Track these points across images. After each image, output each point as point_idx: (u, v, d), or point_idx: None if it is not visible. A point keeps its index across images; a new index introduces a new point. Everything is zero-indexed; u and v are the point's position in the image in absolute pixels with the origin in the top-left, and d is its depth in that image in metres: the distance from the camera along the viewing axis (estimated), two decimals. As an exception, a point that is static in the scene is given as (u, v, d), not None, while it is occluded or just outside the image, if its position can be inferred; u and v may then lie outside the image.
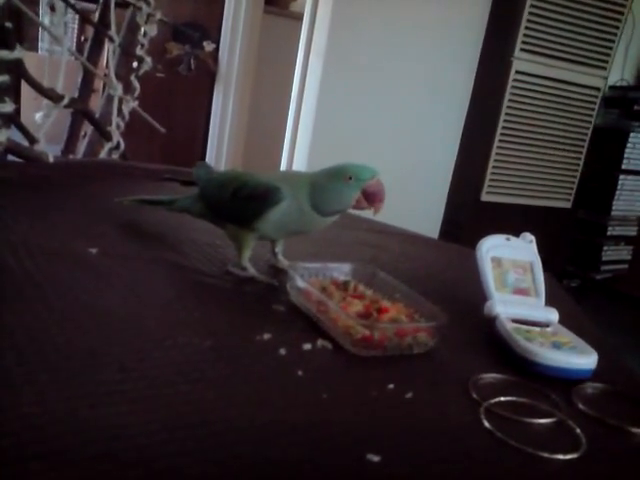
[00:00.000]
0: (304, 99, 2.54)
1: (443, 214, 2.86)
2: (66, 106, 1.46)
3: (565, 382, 0.58)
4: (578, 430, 0.50)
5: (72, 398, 0.43)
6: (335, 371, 0.55)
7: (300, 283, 0.67)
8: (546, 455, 0.46)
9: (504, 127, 2.74)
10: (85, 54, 1.81)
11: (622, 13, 2.81)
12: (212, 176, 0.82)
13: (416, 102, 2.66)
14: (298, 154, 2.57)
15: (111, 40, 1.71)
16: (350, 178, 0.69)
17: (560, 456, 0.46)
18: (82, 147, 1.91)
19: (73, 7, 1.63)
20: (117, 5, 1.70)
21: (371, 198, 0.70)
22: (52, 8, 1.57)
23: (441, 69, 2.66)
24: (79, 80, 1.83)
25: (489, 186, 2.80)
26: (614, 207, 3.18)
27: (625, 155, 3.13)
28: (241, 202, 0.72)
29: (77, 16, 1.93)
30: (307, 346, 0.58)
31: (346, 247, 0.98)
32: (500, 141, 2.75)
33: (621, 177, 3.16)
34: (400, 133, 2.67)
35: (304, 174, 0.75)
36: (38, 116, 1.46)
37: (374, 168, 0.71)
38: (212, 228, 0.80)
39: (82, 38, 3.03)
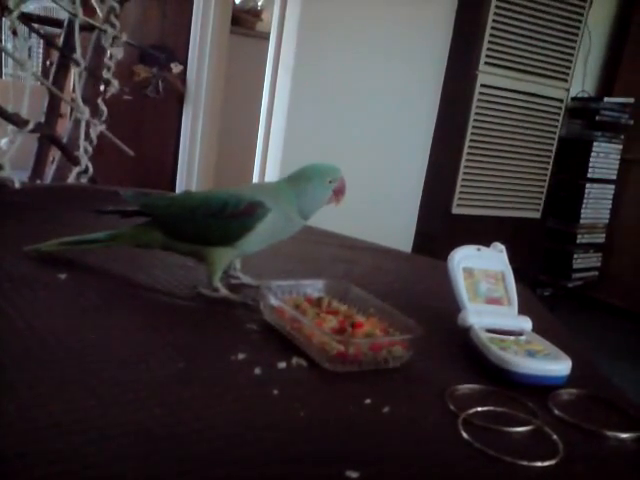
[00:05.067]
0: (273, 117, 2.54)
1: (415, 227, 2.88)
2: (32, 131, 1.44)
3: (541, 389, 0.59)
4: (555, 436, 0.50)
5: (42, 428, 0.42)
6: (311, 388, 0.55)
7: (273, 301, 0.67)
8: (525, 463, 0.46)
9: (472, 140, 2.79)
10: (51, 78, 1.79)
11: (579, 27, 2.89)
12: (168, 202, 0.77)
13: (384, 117, 2.69)
14: (269, 172, 2.57)
15: (77, 64, 1.70)
16: (331, 181, 0.75)
17: (538, 463, 0.46)
18: (50, 172, 1.89)
19: (37, 31, 1.62)
20: (82, 28, 1.69)
21: (337, 194, 0.77)
22: (14, 32, 1.56)
23: (408, 84, 2.69)
24: (45, 105, 1.81)
25: (459, 199, 2.84)
26: (582, 215, 3.25)
27: (590, 164, 3.20)
28: (225, 221, 0.71)
29: (42, 40, 1.91)
30: (282, 364, 0.57)
31: (318, 263, 0.98)
32: (468, 154, 2.80)
33: (587, 186, 3.23)
34: (369, 148, 2.69)
35: (276, 183, 0.77)
36: (3, 142, 1.44)
37: (333, 165, 0.77)
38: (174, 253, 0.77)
39: (48, 62, 3.01)
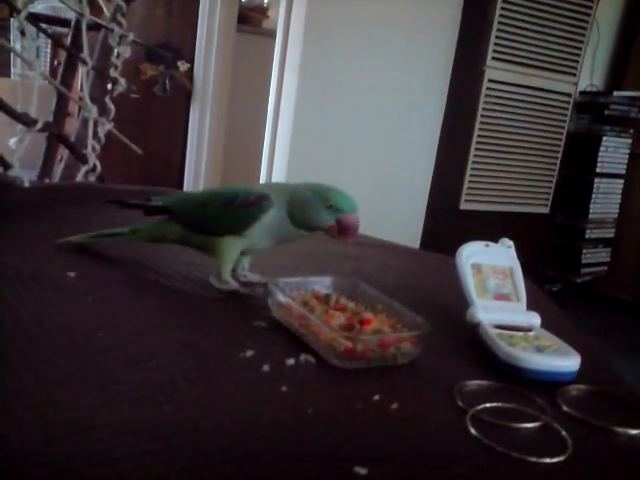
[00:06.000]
0: (280, 114, 2.54)
1: (423, 224, 2.88)
2: (40, 130, 1.44)
3: (549, 385, 0.59)
4: (564, 432, 0.50)
5: (51, 426, 0.42)
6: (319, 385, 0.55)
7: (281, 298, 0.67)
8: (533, 459, 0.46)
9: (479, 136, 2.77)
10: (59, 78, 1.80)
11: (587, 21, 2.87)
12: (186, 197, 0.83)
13: (391, 114, 2.68)
14: (276, 169, 2.57)
15: (84, 63, 1.70)
16: (330, 206, 0.71)
17: (547, 459, 0.46)
18: (58, 171, 1.90)
19: (44, 31, 1.63)
20: (89, 28, 1.70)
21: (344, 230, 0.72)
22: (23, 33, 1.57)
23: (415, 81, 2.69)
24: (53, 104, 1.82)
25: (467, 194, 2.83)
26: (591, 210, 3.23)
27: (599, 159, 3.18)
28: (235, 210, 0.74)
29: (50, 40, 1.92)
30: (290, 361, 0.57)
31: (326, 260, 0.98)
32: (476, 149, 2.79)
33: (596, 180, 3.21)
34: (377, 145, 2.68)
35: (286, 185, 0.78)
36: (12, 141, 1.45)
37: (355, 202, 0.72)
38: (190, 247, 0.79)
39: (55, 62, 3.02)
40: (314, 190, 0.73)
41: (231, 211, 0.74)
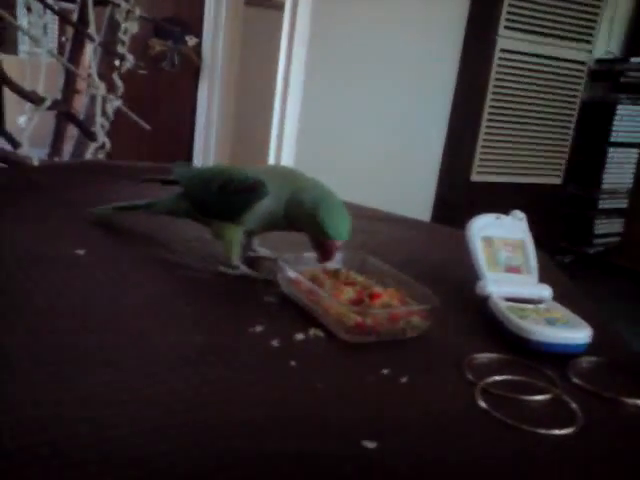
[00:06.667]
0: (289, 89, 2.52)
1: (434, 196, 2.86)
2: (49, 108, 1.44)
3: (560, 358, 0.58)
4: (574, 405, 0.50)
5: (62, 400, 0.43)
6: (329, 359, 0.55)
7: (290, 273, 0.67)
8: (543, 431, 0.46)
9: (491, 106, 2.74)
10: (66, 55, 1.79)
11: (605, -15, 2.80)
12: (195, 173, 0.80)
13: (402, 85, 2.65)
14: (286, 143, 2.56)
15: (91, 39, 1.69)
16: (318, 222, 0.66)
17: (557, 431, 0.46)
18: (69, 149, 1.90)
19: (51, 7, 1.61)
20: (96, 3, 1.68)
21: (320, 252, 0.68)
22: (29, 9, 1.56)
23: (427, 51, 2.65)
24: (61, 81, 1.81)
25: (479, 166, 2.80)
26: (604, 180, 3.19)
27: (613, 128, 3.13)
28: (229, 196, 0.72)
29: (56, 17, 1.91)
30: (300, 336, 0.58)
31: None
32: (488, 120, 2.76)
33: (610, 150, 3.17)
34: (388, 117, 2.66)
35: (293, 178, 0.73)
36: (21, 120, 1.45)
37: (346, 230, 0.67)
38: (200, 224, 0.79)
39: (63, 38, 3.00)
40: (313, 198, 0.67)
41: (225, 196, 0.72)
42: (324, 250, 0.68)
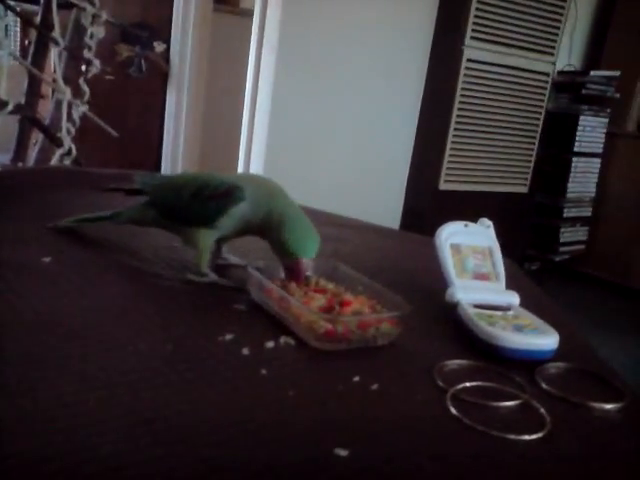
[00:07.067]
0: (258, 95, 2.52)
1: (403, 205, 2.88)
2: (12, 112, 1.41)
3: (528, 364, 0.59)
4: (542, 410, 0.51)
5: (30, 413, 0.42)
6: (300, 367, 0.55)
7: (261, 281, 0.66)
8: (512, 437, 0.47)
9: (459, 115, 2.78)
10: (29, 58, 1.75)
11: (565, 0, 2.87)
12: (162, 181, 0.79)
13: (370, 94, 2.67)
14: (255, 151, 2.55)
15: (56, 43, 1.67)
16: (285, 242, 0.67)
17: (526, 437, 0.47)
18: (33, 155, 1.86)
19: (12, 9, 1.58)
20: (60, 6, 1.66)
21: (288, 273, 0.68)
22: (-9, 12, 1.53)
23: (394, 61, 2.67)
24: (25, 85, 1.78)
25: (447, 174, 2.84)
26: (569, 189, 3.26)
27: (577, 138, 3.20)
28: (203, 202, 0.71)
29: (19, 18, 1.87)
30: (270, 344, 0.57)
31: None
32: (455, 129, 2.79)
33: (574, 159, 3.24)
34: (355, 126, 2.67)
35: (273, 191, 0.72)
36: (-17, 124, 1.42)
37: (314, 248, 0.68)
38: (168, 232, 0.78)
39: (26, 42, 2.95)
40: (288, 219, 0.68)
41: (200, 201, 0.71)
42: (291, 270, 0.68)
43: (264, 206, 0.70)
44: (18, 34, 3.04)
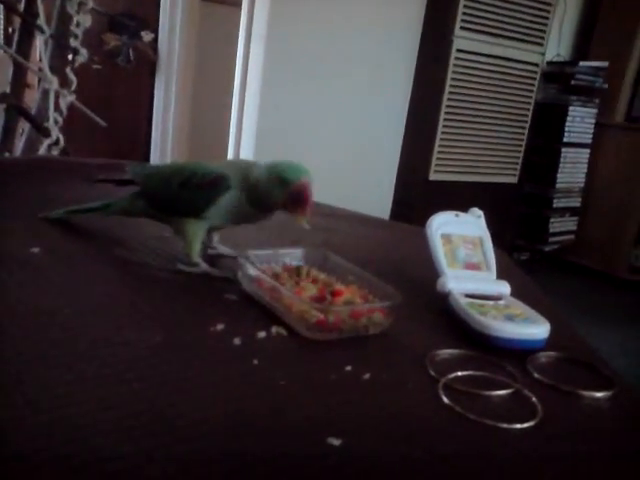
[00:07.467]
0: (247, 86, 2.50)
1: (393, 195, 2.88)
2: (-3, 102, 1.39)
3: (520, 353, 0.59)
4: (534, 398, 0.51)
5: (19, 404, 0.41)
6: (291, 357, 0.55)
7: (252, 271, 0.66)
8: (504, 425, 0.47)
9: (448, 106, 2.77)
10: (14, 46, 1.73)
11: (555, -11, 2.87)
12: (152, 171, 0.79)
13: (360, 85, 2.66)
14: (244, 141, 2.54)
15: (41, 31, 1.64)
16: (280, 180, 0.66)
17: (518, 425, 0.47)
18: (20, 145, 1.84)
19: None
20: (45, -6, 1.63)
21: (295, 201, 0.66)
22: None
23: (383, 51, 2.66)
24: (10, 74, 1.75)
25: (437, 165, 2.84)
26: (558, 179, 3.27)
27: (566, 128, 3.21)
28: (191, 191, 0.71)
29: (1, 5, 1.84)
30: (262, 334, 0.57)
31: (296, 232, 0.97)
32: (445, 120, 2.79)
33: (563, 150, 3.25)
34: (345, 117, 2.66)
35: (247, 166, 0.72)
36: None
37: (303, 169, 0.67)
38: (158, 222, 0.78)
39: (10, 29, 2.90)
40: (268, 168, 0.68)
41: (187, 191, 0.71)
42: (294, 198, 0.66)
43: (246, 183, 0.69)
44: (1, 21, 2.99)
